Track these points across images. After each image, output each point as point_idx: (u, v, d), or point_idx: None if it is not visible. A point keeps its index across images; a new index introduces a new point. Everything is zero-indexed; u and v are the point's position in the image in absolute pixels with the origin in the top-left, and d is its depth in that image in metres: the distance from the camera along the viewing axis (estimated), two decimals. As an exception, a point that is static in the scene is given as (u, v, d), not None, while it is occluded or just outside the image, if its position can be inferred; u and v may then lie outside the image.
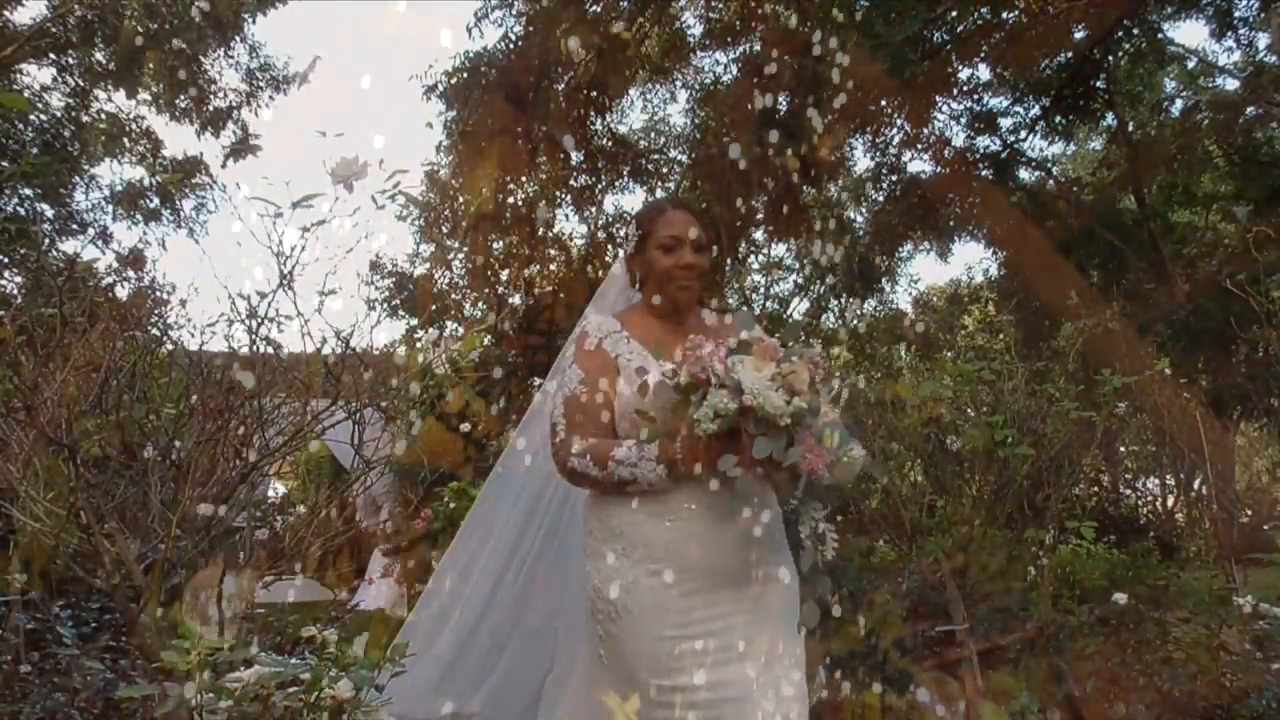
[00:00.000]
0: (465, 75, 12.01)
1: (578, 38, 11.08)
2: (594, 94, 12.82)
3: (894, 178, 13.94)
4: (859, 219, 15.18)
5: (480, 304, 14.00)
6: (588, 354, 2.20)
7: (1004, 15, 10.66)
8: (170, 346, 3.42)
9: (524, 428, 2.62)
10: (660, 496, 2.06)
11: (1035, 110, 12.55)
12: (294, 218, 2.29)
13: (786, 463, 1.82)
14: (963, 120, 13.02)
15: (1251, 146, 10.79)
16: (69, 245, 11.79)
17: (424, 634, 2.52)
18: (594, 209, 14.60)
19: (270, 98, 12.69)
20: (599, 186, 14.49)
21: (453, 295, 14.14)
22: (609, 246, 14.49)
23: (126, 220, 12.63)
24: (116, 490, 2.54)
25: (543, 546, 2.54)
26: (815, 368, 1.90)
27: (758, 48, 11.84)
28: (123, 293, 8.19)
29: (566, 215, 14.83)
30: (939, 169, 13.38)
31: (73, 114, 12.00)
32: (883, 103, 11.13)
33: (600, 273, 14.08)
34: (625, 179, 14.59)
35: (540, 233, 13.73)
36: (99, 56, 11.60)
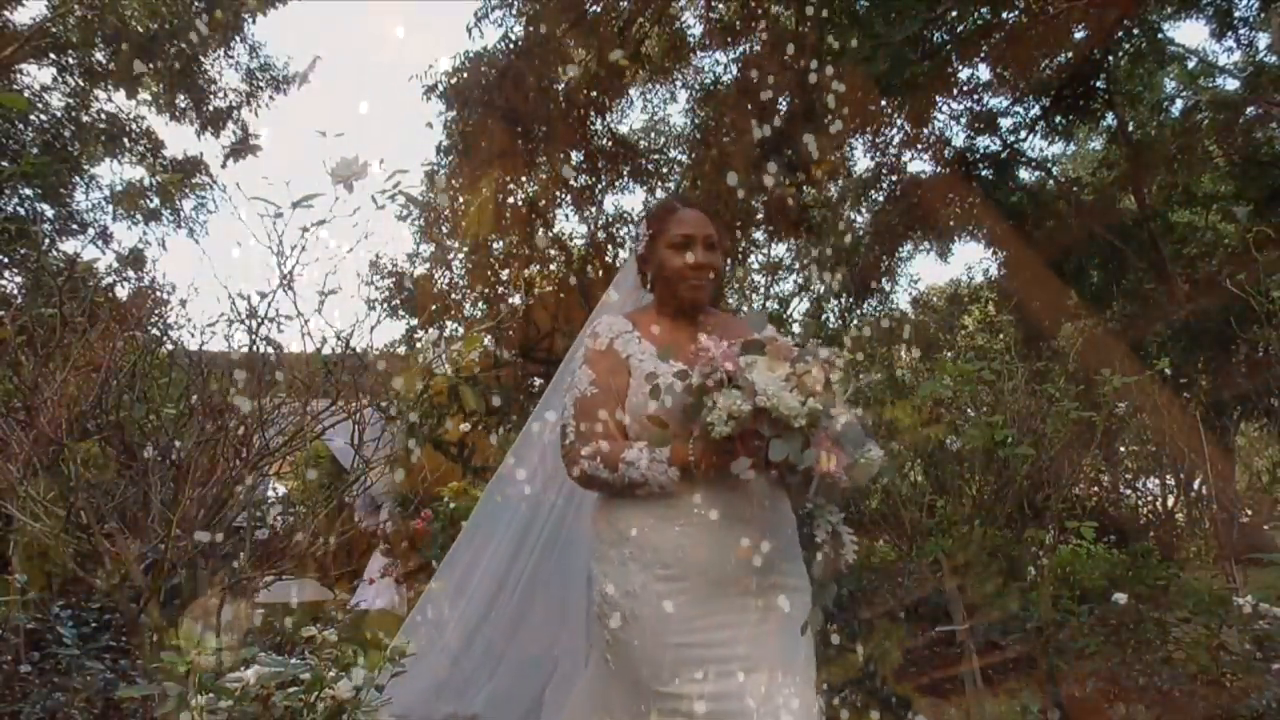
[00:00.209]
0: (465, 75, 12.01)
1: (575, 65, 11.12)
2: (594, 94, 12.83)
3: (894, 178, 13.95)
4: (859, 219, 15.18)
5: (480, 304, 14.00)
6: (598, 354, 2.16)
7: (1004, 15, 10.66)
8: (170, 346, 3.42)
9: (518, 453, 2.58)
10: (671, 500, 2.02)
11: (1035, 110, 12.56)
12: (294, 218, 2.29)
13: (802, 465, 1.78)
14: (963, 120, 13.02)
15: (1251, 146, 10.79)
16: (69, 245, 11.80)
17: (425, 636, 2.51)
18: (594, 209, 14.60)
19: (270, 98, 12.70)
20: (599, 186, 14.49)
21: (452, 295, 14.14)
22: (609, 246, 14.49)
23: (126, 220, 12.63)
24: (116, 490, 2.54)
25: (544, 553, 2.52)
26: (830, 368, 1.86)
27: (758, 48, 11.84)
28: (123, 293, 8.20)
29: (566, 215, 14.85)
30: (939, 169, 13.38)
31: (73, 114, 12.00)
32: (883, 103, 11.13)
33: (600, 273, 14.10)
34: (625, 179, 14.59)
35: (540, 233, 13.73)
36: (99, 56, 11.60)
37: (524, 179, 13.36)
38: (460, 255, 13.92)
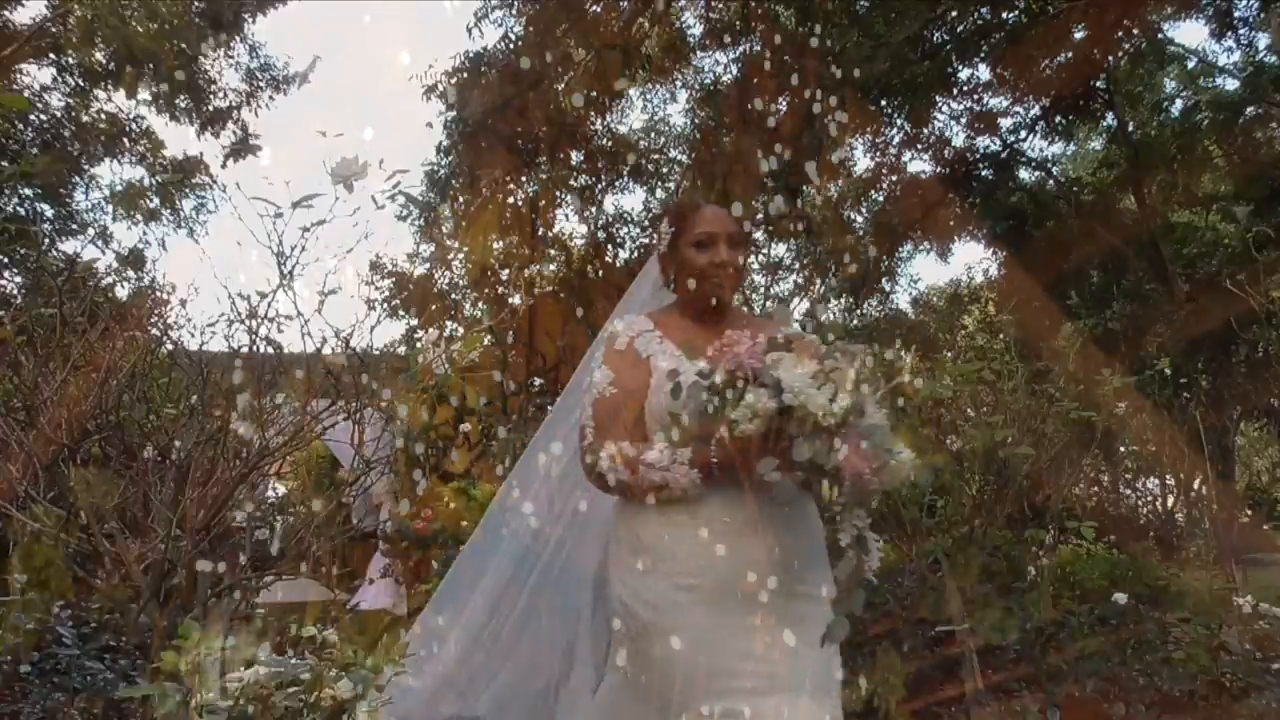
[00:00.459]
0: (465, 75, 12.01)
1: (580, 94, 11.10)
2: (594, 94, 12.82)
3: (894, 178, 13.94)
4: (859, 219, 15.18)
5: (480, 304, 14.00)
6: (618, 354, 2.11)
7: (1004, 15, 10.66)
8: (170, 346, 3.42)
9: (521, 482, 2.54)
10: (692, 507, 1.94)
11: (1035, 110, 12.56)
12: (294, 218, 2.30)
13: (829, 466, 1.70)
14: (963, 120, 13.02)
15: (1251, 146, 10.79)
16: (69, 245, 11.80)
17: (429, 637, 2.48)
18: (594, 209, 14.60)
19: (270, 98, 12.69)
20: (599, 186, 14.49)
21: (452, 295, 14.14)
22: (609, 246, 14.49)
23: (126, 220, 12.64)
24: (116, 490, 2.54)
25: (539, 584, 2.47)
26: (860, 365, 1.78)
27: (758, 48, 11.83)
28: (123, 293, 8.20)
29: (566, 215, 14.85)
30: (939, 169, 13.38)
31: (73, 114, 12.00)
32: (883, 103, 11.13)
33: (600, 273, 14.10)
34: (625, 179, 14.59)
35: (541, 232, 13.74)
36: (99, 56, 11.59)
37: (524, 179, 13.37)
38: (460, 255, 13.92)
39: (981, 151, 13.16)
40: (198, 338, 3.00)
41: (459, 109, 12.02)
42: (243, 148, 12.36)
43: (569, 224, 15.02)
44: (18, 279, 9.49)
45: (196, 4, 11.07)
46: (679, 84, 14.39)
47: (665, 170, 14.91)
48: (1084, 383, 4.43)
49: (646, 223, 14.64)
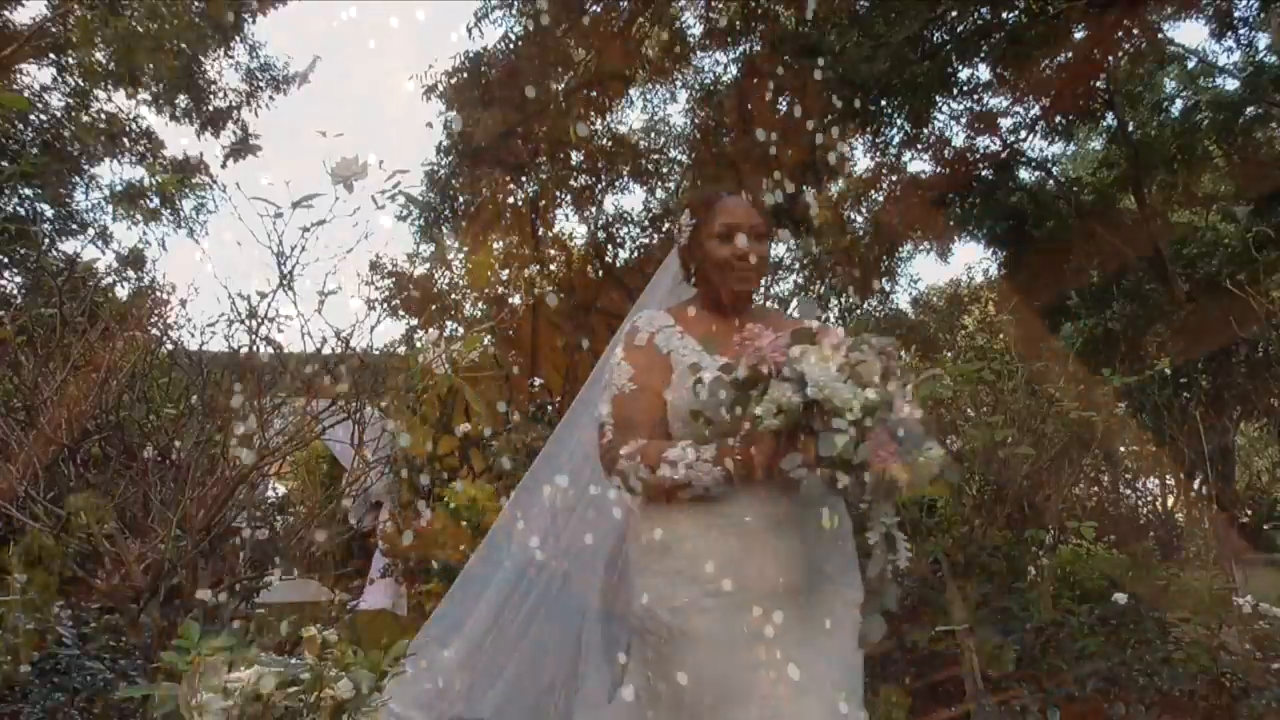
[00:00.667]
0: (465, 75, 12.01)
1: (582, 125, 11.08)
2: (594, 94, 12.83)
3: (894, 178, 13.94)
4: (859, 219, 15.17)
5: (480, 304, 14.00)
6: (637, 350, 2.05)
7: (1004, 15, 10.66)
8: (170, 346, 3.43)
9: (525, 511, 2.49)
10: (716, 507, 1.87)
11: (1035, 110, 12.55)
12: (294, 218, 2.30)
13: (856, 461, 1.64)
14: (963, 120, 13.01)
15: (1251, 146, 10.78)
16: (69, 245, 11.77)
17: (435, 637, 2.46)
18: (594, 209, 14.60)
19: (270, 98, 12.69)
20: (599, 186, 14.48)
21: (452, 295, 14.14)
22: (609, 246, 14.49)
23: (126, 220, 12.63)
24: (116, 490, 2.54)
25: (531, 614, 2.42)
26: (888, 358, 1.72)
27: (758, 47, 11.84)
28: (123, 293, 8.20)
29: (566, 215, 14.84)
30: (939, 169, 13.37)
31: (73, 114, 11.99)
32: (883, 103, 11.13)
33: (600, 273, 14.09)
34: (625, 179, 14.58)
35: (541, 232, 13.74)
36: (99, 56, 11.59)
37: (524, 179, 13.37)
38: (460, 255, 13.92)
39: (981, 151, 13.16)
40: (198, 338, 3.01)
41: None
42: (243, 148, 12.36)
43: (569, 224, 15.04)
44: (18, 279, 9.48)
45: (196, 4, 11.06)
46: (679, 84, 14.39)
47: (665, 170, 14.90)
48: (1084, 383, 4.44)
49: (646, 223, 14.64)
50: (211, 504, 2.46)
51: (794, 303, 14.93)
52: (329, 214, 2.19)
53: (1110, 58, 11.48)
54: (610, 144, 13.97)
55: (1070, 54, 11.30)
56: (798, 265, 16.04)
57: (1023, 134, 12.93)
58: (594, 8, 11.83)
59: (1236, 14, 10.93)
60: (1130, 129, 12.73)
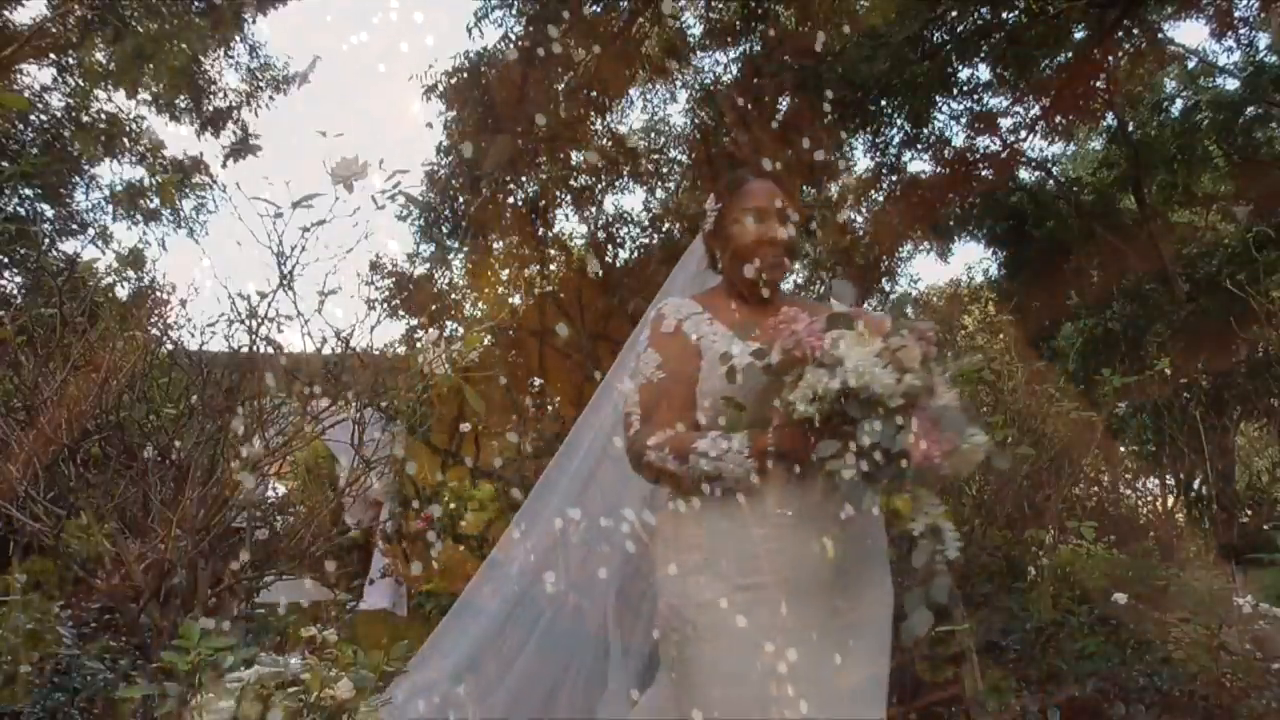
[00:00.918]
0: (465, 75, 12.01)
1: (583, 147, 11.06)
2: (594, 94, 12.82)
3: (894, 178, 13.94)
4: (859, 219, 15.17)
5: (480, 304, 14.00)
6: (665, 337, 1.96)
7: (1004, 15, 10.66)
8: (170, 346, 3.43)
9: (520, 520, 2.47)
10: (747, 499, 1.80)
11: (1035, 110, 12.55)
12: (294, 218, 2.30)
13: (897, 450, 1.57)
14: (963, 120, 13.01)
15: (1251, 146, 10.78)
16: (69, 245, 11.78)
17: (444, 638, 2.43)
18: (594, 209, 14.59)
19: (270, 98, 12.69)
20: (599, 186, 14.48)
21: (452, 295, 14.13)
22: (609, 246, 14.48)
23: (126, 220, 12.63)
24: (116, 490, 2.54)
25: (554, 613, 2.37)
26: (928, 343, 1.65)
27: (758, 48, 11.84)
28: (123, 293, 8.21)
29: (566, 215, 14.84)
30: (939, 169, 13.38)
31: (73, 114, 11.99)
32: (883, 103, 11.13)
33: (600, 273, 14.08)
34: (625, 179, 14.57)
35: (541, 232, 13.74)
36: (99, 56, 11.59)
37: (524, 179, 13.37)
38: (460, 255, 13.91)
39: (981, 151, 13.16)
40: (198, 338, 3.01)
41: (459, 108, 12.01)
42: (243, 148, 12.35)
43: (569, 224, 15.03)
44: (18, 279, 9.48)
45: (196, 4, 11.06)
46: (679, 84, 14.39)
47: (665, 170, 14.90)
48: (1084, 383, 4.43)
49: (646, 223, 14.64)
50: (211, 504, 2.46)
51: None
52: (329, 214, 2.19)
53: (1110, 58, 11.48)
54: (610, 144, 13.97)
55: (1070, 54, 11.30)
56: (797, 265, 16.04)
57: (1023, 134, 12.93)
58: (594, 8, 11.82)
59: (1236, 14, 10.93)
60: (1130, 129, 12.74)
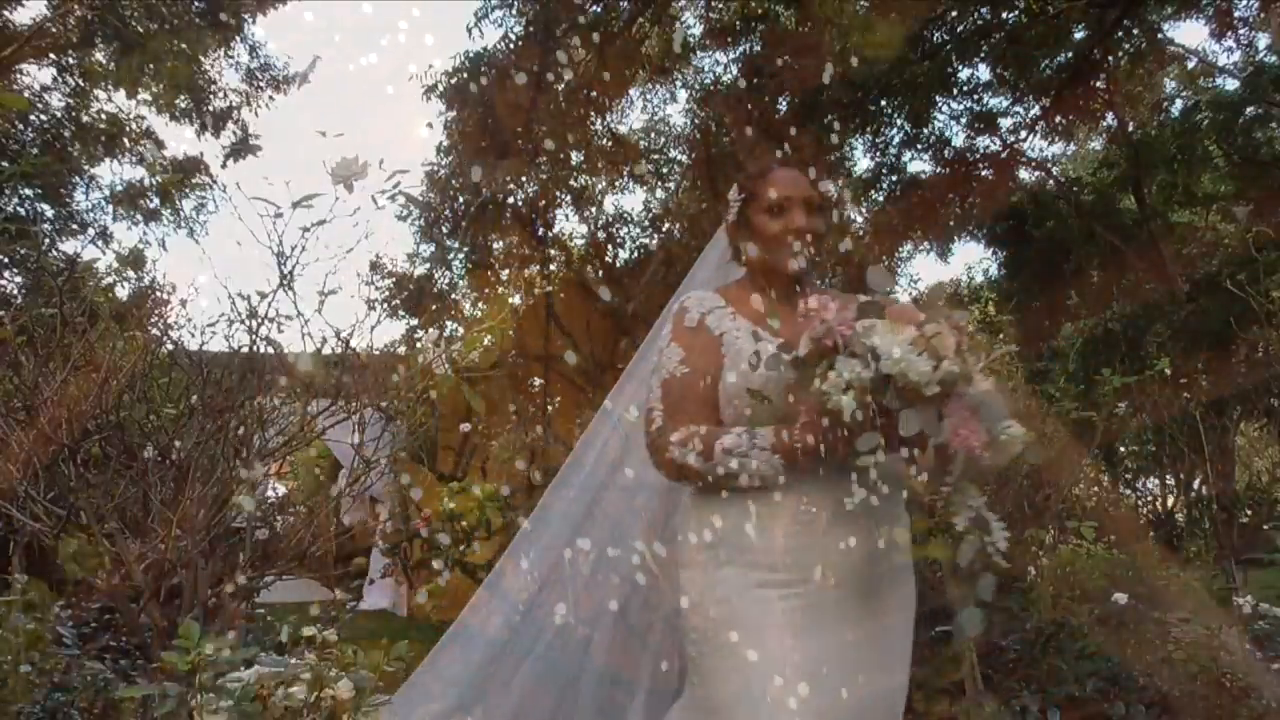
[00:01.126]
0: (465, 75, 12.01)
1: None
2: (594, 94, 12.82)
3: (894, 178, 13.93)
4: (859, 219, 15.17)
5: (480, 304, 13.99)
6: (688, 331, 1.91)
7: (1004, 15, 10.67)
8: (170, 346, 3.42)
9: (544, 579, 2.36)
10: (773, 495, 1.74)
11: (1035, 110, 12.56)
12: (294, 218, 2.30)
13: (937, 439, 1.53)
14: (963, 120, 13.01)
15: (1251, 146, 10.78)
16: (69, 245, 11.78)
17: (443, 664, 2.32)
18: (594, 209, 14.60)
19: (270, 98, 12.69)
20: (599, 187, 14.48)
21: (452, 295, 14.13)
22: (609, 246, 14.48)
23: (126, 220, 12.63)
24: (116, 490, 2.54)
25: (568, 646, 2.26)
26: (960, 333, 1.60)
27: (758, 48, 11.84)
28: (123, 293, 8.21)
29: (566, 215, 14.84)
30: (939, 169, 13.37)
31: (73, 114, 11.99)
32: (883, 103, 11.13)
33: (600, 273, 14.09)
34: (625, 179, 14.58)
35: (541, 232, 13.74)
36: (99, 56, 11.59)
37: (524, 179, 13.36)
38: (460, 255, 13.91)
39: (981, 151, 13.15)
40: (198, 338, 3.01)
41: (459, 108, 12.01)
42: (243, 148, 12.36)
43: (569, 224, 15.03)
44: (18, 279, 9.49)
45: (196, 4, 11.07)
46: (679, 84, 14.39)
47: (665, 170, 14.90)
48: (1084, 383, 4.44)
49: (647, 223, 14.64)
50: (211, 504, 2.46)
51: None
52: (329, 214, 2.19)
53: (1110, 58, 11.49)
54: (610, 144, 13.98)
55: (1070, 54, 11.30)
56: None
57: (1023, 134, 12.94)
58: (594, 8, 11.82)
59: (1236, 14, 10.94)
60: (1130, 129, 12.74)
